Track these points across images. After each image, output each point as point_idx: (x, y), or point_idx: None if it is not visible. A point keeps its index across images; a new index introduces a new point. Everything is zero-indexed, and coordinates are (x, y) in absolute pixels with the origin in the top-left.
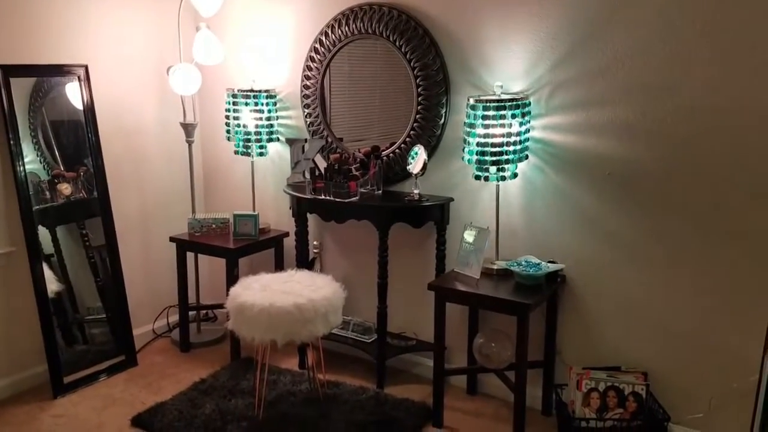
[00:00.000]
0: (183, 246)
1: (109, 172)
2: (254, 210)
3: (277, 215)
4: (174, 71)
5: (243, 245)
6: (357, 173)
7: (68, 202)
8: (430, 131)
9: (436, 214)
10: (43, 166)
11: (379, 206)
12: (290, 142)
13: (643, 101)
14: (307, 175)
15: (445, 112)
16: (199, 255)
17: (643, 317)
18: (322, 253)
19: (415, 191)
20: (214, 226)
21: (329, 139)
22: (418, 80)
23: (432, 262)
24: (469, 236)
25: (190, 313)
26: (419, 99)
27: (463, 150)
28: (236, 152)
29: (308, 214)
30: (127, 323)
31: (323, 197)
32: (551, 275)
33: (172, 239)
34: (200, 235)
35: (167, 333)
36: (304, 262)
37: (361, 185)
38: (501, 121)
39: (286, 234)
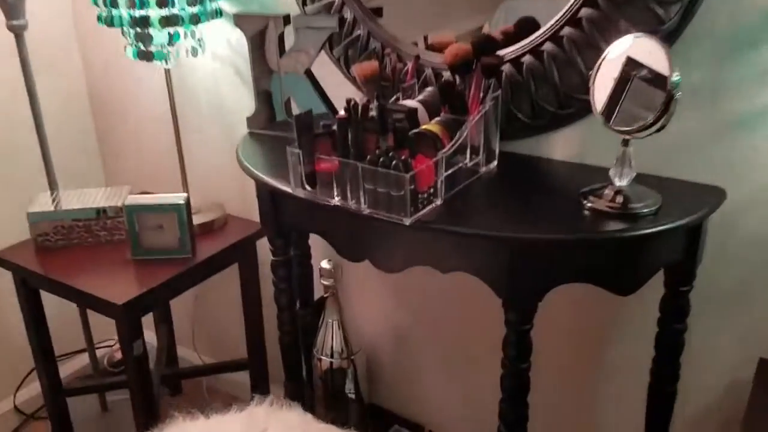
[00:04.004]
0: (21, 280)
1: None
2: (184, 188)
3: (242, 189)
4: None
5: (152, 287)
6: (434, 129)
7: None
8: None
9: (674, 249)
10: None
11: (513, 238)
12: (244, 22)
13: None
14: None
15: None
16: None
17: None
18: (341, 287)
19: (620, 182)
20: (84, 224)
21: (354, 20)
22: None
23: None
24: None
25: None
26: None
27: None
28: (136, 54)
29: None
30: None
31: (337, 202)
32: None
33: None
34: (62, 243)
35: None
36: (304, 307)
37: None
38: None
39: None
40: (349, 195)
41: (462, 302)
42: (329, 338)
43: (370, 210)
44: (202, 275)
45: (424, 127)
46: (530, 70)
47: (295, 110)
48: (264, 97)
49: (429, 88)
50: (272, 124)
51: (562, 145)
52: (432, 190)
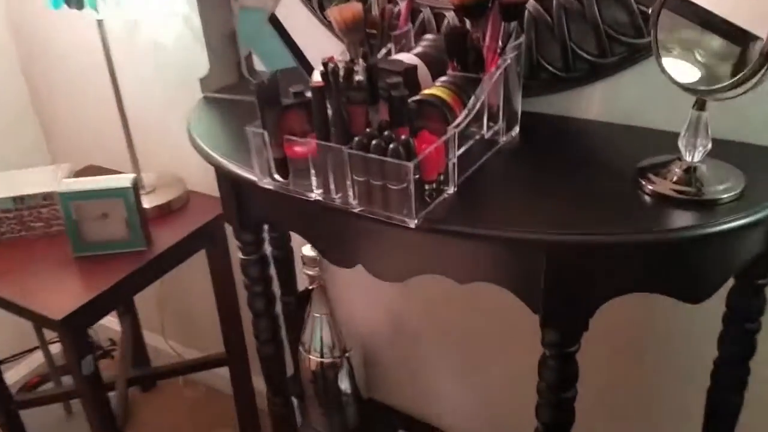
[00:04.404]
0: None
1: None
2: (133, 164)
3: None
4: None
5: (100, 292)
6: (442, 94)
7: None
8: None
9: (758, 240)
10: None
11: (555, 242)
12: None
13: None
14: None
15: None
16: None
17: None
18: (330, 274)
19: (692, 157)
20: (15, 214)
21: None
22: None
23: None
24: None
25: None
26: None
27: None
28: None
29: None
30: None
31: (317, 196)
32: None
33: None
34: None
35: None
36: (287, 294)
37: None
38: None
39: None
40: (332, 187)
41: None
42: (317, 335)
43: (361, 207)
44: (162, 269)
45: (427, 91)
46: (562, 6)
47: (260, 69)
48: (219, 50)
49: (429, 36)
50: (233, 85)
51: (601, 102)
52: (442, 177)
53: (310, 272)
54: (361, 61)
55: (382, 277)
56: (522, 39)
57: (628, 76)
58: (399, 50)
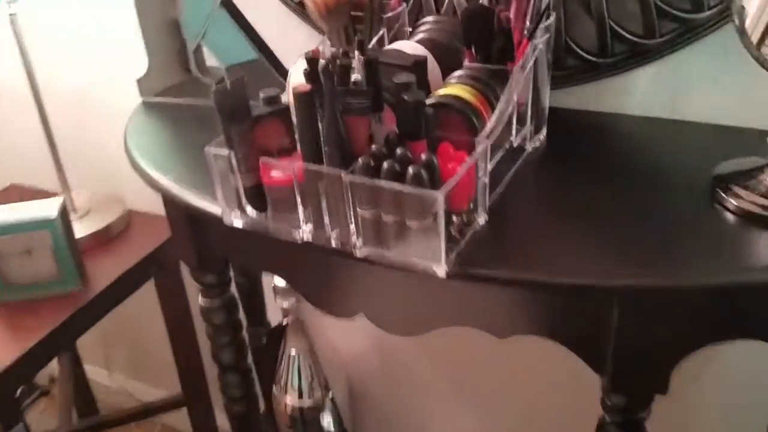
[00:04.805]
0: None
1: None
2: (62, 184)
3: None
4: None
5: (27, 348)
6: (464, 94)
7: None
8: None
9: None
10: None
11: (623, 288)
12: None
13: None
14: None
15: None
16: None
17: None
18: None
19: None
20: None
21: None
22: None
23: None
24: None
25: None
26: None
27: None
28: None
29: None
30: None
31: (306, 236)
32: None
33: None
34: None
35: None
36: (255, 326)
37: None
38: None
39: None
40: (327, 221)
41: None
42: (294, 374)
43: (368, 250)
44: (103, 310)
45: (444, 91)
46: None
47: (212, 64)
48: (159, 44)
49: (430, 19)
50: (179, 85)
51: (644, 93)
52: (472, 204)
53: (285, 305)
54: (356, 54)
55: (392, 330)
56: (553, 18)
57: (677, 60)
58: (393, 37)
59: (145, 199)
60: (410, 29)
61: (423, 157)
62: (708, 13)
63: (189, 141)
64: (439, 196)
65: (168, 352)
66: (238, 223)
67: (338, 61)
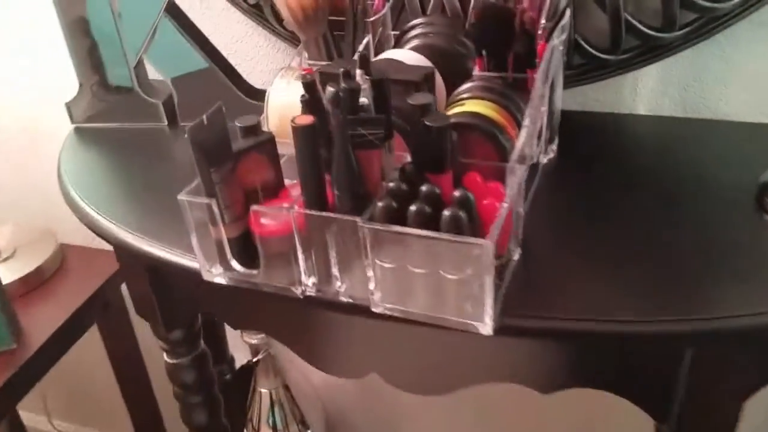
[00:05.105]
0: None
1: None
2: None
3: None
4: None
5: None
6: (486, 111)
7: None
8: None
9: None
10: None
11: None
12: None
13: None
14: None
15: None
16: None
17: None
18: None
19: None
20: None
21: None
22: None
23: None
24: None
25: None
26: None
27: None
28: None
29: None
30: None
31: (308, 290)
32: None
33: None
34: None
35: None
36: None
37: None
38: None
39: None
40: (336, 275)
41: None
42: (267, 413)
43: (388, 306)
44: (44, 367)
45: (462, 109)
46: None
47: (158, 80)
48: (88, 57)
49: (419, 21)
50: (116, 106)
51: (655, 90)
52: (511, 243)
53: (253, 341)
54: (358, 72)
55: (414, 390)
56: (568, 15)
57: (693, 54)
58: (378, 45)
59: (77, 229)
60: (395, 33)
61: (456, 194)
62: (735, 0)
63: (136, 172)
64: (488, 245)
65: (116, 393)
66: (220, 279)
67: (344, 85)
